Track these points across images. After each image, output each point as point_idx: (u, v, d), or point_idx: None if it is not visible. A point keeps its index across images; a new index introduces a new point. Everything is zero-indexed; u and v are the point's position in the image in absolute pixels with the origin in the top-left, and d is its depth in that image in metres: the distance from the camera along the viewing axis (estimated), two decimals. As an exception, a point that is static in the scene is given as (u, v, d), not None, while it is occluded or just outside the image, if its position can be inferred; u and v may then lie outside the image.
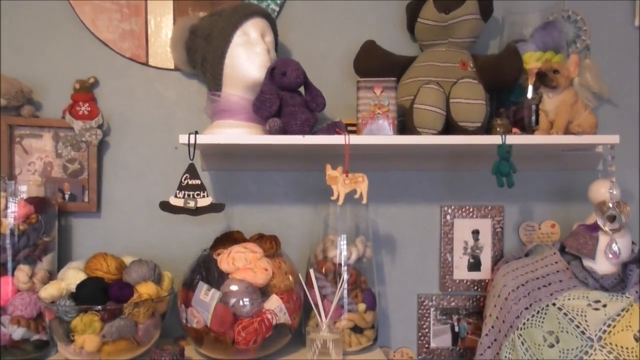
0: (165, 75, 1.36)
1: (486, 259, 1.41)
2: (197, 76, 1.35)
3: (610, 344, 1.11)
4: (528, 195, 1.43)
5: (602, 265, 1.20)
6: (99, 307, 1.05)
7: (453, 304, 1.41)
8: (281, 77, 1.15)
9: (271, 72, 1.16)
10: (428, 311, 1.40)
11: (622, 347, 1.10)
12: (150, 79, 1.36)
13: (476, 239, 1.41)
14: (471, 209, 1.41)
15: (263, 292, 1.15)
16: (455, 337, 1.40)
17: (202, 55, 1.23)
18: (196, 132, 1.10)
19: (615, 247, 1.18)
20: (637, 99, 1.45)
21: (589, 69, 1.41)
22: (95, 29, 1.32)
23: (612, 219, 1.19)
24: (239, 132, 1.18)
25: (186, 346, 1.16)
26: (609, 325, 1.13)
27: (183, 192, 1.10)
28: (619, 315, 1.13)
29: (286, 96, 1.16)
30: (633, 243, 1.24)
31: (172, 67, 1.34)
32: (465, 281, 1.41)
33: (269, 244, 1.22)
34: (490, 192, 1.42)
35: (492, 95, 1.32)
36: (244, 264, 1.13)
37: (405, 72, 1.33)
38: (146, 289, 1.10)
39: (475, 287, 1.41)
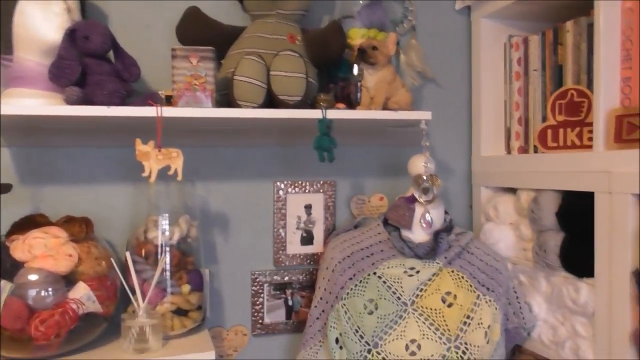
0: (-52, 33, 1.15)
1: (319, 232, 1.44)
2: (-10, 36, 1.16)
3: (422, 307, 1.19)
4: (359, 170, 1.48)
5: (417, 234, 1.27)
6: None
7: (287, 278, 1.41)
8: (84, 41, 1.03)
9: (71, 35, 1.03)
10: (262, 287, 1.39)
11: (431, 308, 1.18)
12: None
13: (309, 214, 1.42)
14: (304, 184, 1.41)
15: (69, 280, 1.05)
16: (289, 311, 1.42)
17: (-11, 12, 1.06)
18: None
19: (428, 217, 1.26)
20: (459, 79, 1.55)
21: (414, 49, 1.47)
22: None
23: (426, 190, 1.26)
24: (35, 103, 1.04)
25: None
26: (421, 290, 1.20)
27: (-44, 171, 0.94)
28: (430, 280, 1.22)
29: (91, 63, 1.05)
30: (446, 213, 1.33)
31: (-44, 24, 1.14)
32: (298, 255, 1.42)
33: (79, 227, 1.11)
34: (323, 167, 1.44)
35: (322, 70, 1.32)
36: (43, 250, 1.01)
37: (233, 43, 1.27)
38: None
39: (309, 261, 1.43)
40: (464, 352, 1.16)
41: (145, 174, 1.03)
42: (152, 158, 1.03)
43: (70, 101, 1.00)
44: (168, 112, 1.04)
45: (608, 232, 1.08)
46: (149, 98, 1.07)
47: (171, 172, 1.05)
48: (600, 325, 1.11)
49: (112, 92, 1.03)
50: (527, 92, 1.41)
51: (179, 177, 1.05)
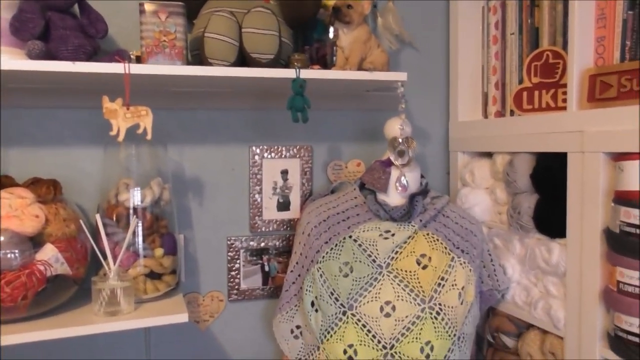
0: None
1: (295, 198, 1.42)
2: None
3: (397, 269, 1.19)
4: (336, 135, 1.46)
5: (393, 197, 1.27)
6: None
7: (263, 244, 1.40)
8: (45, -7, 0.99)
9: (32, -13, 0.99)
10: (238, 253, 1.38)
11: (406, 270, 1.19)
12: None
13: (285, 179, 1.41)
14: (280, 149, 1.40)
15: (36, 242, 1.02)
16: (266, 276, 1.41)
17: (-55, -37, 1.01)
18: None
19: (404, 180, 1.25)
20: (436, 44, 1.54)
21: (391, 12, 1.45)
22: None
23: (402, 153, 1.25)
24: (-3, 59, 1.00)
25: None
26: (396, 252, 1.20)
27: None
28: (405, 242, 1.22)
29: (55, 17, 1.01)
30: (422, 177, 1.33)
31: None
32: (275, 221, 1.41)
33: (46, 188, 1.08)
34: (299, 132, 1.43)
35: (297, 32, 1.30)
36: (7, 211, 0.98)
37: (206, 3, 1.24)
38: None
39: (285, 227, 1.42)
40: (437, 313, 1.17)
41: (113, 133, 1.01)
42: (120, 116, 1.00)
43: (32, 55, 0.96)
44: (136, 69, 1.01)
45: (580, 191, 1.09)
46: (117, 54, 1.04)
47: (140, 131, 1.02)
48: (571, 284, 1.13)
49: (77, 48, 1.00)
50: (504, 57, 1.40)
51: (149, 136, 1.03)
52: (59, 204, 1.08)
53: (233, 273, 1.38)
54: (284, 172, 1.41)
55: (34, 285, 0.99)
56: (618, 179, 1.01)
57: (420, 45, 1.52)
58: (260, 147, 1.38)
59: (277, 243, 1.41)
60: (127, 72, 1.00)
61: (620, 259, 1.00)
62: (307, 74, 1.12)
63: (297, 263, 1.28)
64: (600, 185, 1.05)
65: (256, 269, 1.40)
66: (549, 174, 1.18)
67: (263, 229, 1.40)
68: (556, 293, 1.19)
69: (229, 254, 1.38)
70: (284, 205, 1.41)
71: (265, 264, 1.41)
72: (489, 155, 1.42)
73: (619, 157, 1.01)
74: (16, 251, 0.98)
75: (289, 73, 1.10)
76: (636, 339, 0.98)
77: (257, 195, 1.39)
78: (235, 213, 1.38)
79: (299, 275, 1.27)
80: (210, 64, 1.08)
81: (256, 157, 1.38)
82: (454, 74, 1.50)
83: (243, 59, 1.12)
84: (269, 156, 1.39)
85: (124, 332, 1.30)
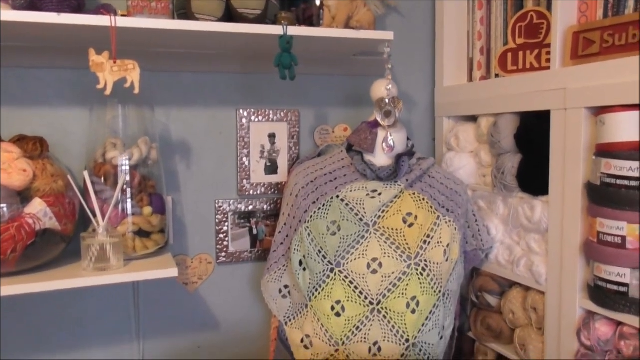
0: None
1: (283, 162, 1.43)
2: None
3: (383, 227, 1.21)
4: (323, 100, 1.47)
5: (380, 158, 1.28)
6: None
7: (251, 207, 1.41)
8: (29, -56, 0.97)
9: (15, -62, 0.97)
10: (226, 216, 1.39)
11: (392, 228, 1.21)
12: None
13: (273, 143, 1.42)
14: (267, 112, 1.40)
15: (24, 197, 1.02)
16: (254, 239, 1.42)
17: None
18: None
19: (390, 141, 1.27)
20: (422, 9, 1.55)
21: (377, -24, 1.45)
22: None
23: (388, 114, 1.26)
24: (-20, 11, 0.99)
25: None
26: (382, 211, 1.22)
27: None
28: (391, 201, 1.23)
29: (39, -30, 1.00)
30: (409, 139, 1.35)
31: None
32: (262, 184, 1.42)
33: (33, 145, 1.07)
34: (287, 96, 1.43)
35: (284, -7, 1.30)
36: (-6, 164, 0.98)
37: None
38: None
39: (273, 190, 1.43)
40: (423, 269, 1.19)
41: (100, 86, 1.00)
42: (107, 69, 0.99)
43: (17, 6, 0.95)
44: (122, 22, 1.00)
45: (562, 147, 1.11)
46: (102, 8, 1.03)
47: (127, 85, 1.02)
48: (553, 239, 1.16)
49: (61, 1, 0.99)
50: (489, 22, 1.41)
51: (136, 90, 1.02)
52: (46, 160, 1.07)
53: (221, 236, 1.39)
54: (272, 136, 1.41)
55: (23, 239, 0.99)
56: (599, 132, 1.03)
57: (405, 10, 1.53)
58: (248, 110, 1.38)
59: (265, 206, 1.42)
60: (113, 25, 0.99)
61: (601, 210, 1.03)
62: (294, 30, 1.12)
63: (285, 224, 1.29)
64: (582, 141, 1.07)
65: (244, 232, 1.41)
66: (533, 134, 1.21)
67: (251, 192, 1.41)
68: (538, 250, 1.22)
69: (217, 217, 1.38)
70: (271, 169, 1.42)
71: (254, 227, 1.42)
72: (473, 119, 1.44)
73: (600, 111, 1.03)
74: (4, 205, 0.98)
75: (276, 30, 1.10)
76: (615, 287, 1.01)
77: (244, 159, 1.39)
78: (223, 176, 1.39)
79: (287, 236, 1.28)
80: (197, 20, 1.08)
81: (244, 121, 1.38)
82: (439, 40, 1.51)
83: (230, 18, 1.12)
84: (257, 119, 1.39)
85: (113, 294, 1.31)
